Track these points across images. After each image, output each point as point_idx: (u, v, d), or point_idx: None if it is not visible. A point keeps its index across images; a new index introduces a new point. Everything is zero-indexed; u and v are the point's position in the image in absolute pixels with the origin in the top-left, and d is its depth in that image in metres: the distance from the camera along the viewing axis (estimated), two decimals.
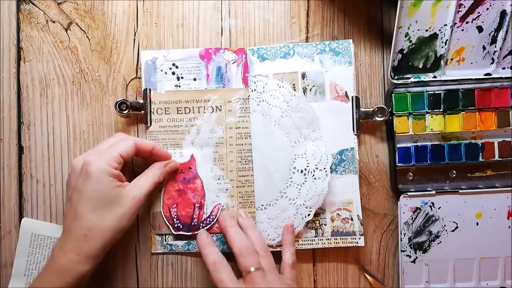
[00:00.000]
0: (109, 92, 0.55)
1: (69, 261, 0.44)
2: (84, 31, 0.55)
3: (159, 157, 0.51)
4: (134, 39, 0.55)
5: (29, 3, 0.55)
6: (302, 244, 0.54)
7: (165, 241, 0.54)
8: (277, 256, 0.55)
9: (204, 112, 0.54)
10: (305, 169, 0.51)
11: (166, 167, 0.51)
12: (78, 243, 0.44)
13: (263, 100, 0.53)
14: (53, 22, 0.55)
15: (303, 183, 0.51)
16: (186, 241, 0.54)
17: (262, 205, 0.53)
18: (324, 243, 0.54)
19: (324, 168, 0.51)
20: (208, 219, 0.53)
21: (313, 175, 0.51)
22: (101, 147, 0.48)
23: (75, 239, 0.44)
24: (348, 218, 0.53)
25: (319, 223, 0.54)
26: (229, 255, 0.55)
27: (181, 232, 0.53)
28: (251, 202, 0.54)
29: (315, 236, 0.54)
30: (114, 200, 0.45)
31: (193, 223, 0.53)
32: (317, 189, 0.51)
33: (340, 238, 0.53)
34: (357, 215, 0.53)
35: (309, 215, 0.51)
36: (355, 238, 0.53)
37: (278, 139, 0.52)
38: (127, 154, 0.47)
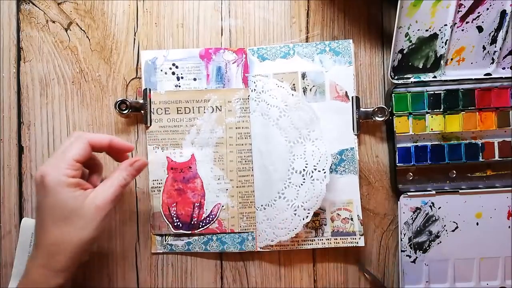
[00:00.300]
0: (109, 92, 0.55)
1: (40, 276, 0.43)
2: (84, 31, 0.55)
3: (120, 150, 0.49)
4: (134, 39, 0.55)
5: (29, 3, 0.55)
6: (302, 244, 0.54)
7: (165, 241, 0.54)
8: (276, 256, 0.55)
9: (204, 112, 0.54)
10: (304, 170, 0.51)
11: (132, 167, 0.47)
12: (46, 258, 0.43)
13: (262, 100, 0.53)
14: (53, 22, 0.55)
15: (301, 184, 0.51)
16: (186, 241, 0.54)
17: (262, 205, 0.53)
18: (324, 243, 0.54)
19: (323, 169, 0.51)
20: (208, 218, 0.53)
21: (312, 176, 0.51)
22: (57, 153, 0.45)
23: (43, 254, 0.43)
24: (348, 218, 0.53)
25: (319, 223, 0.54)
26: (229, 255, 0.55)
27: (180, 231, 0.53)
28: (251, 202, 0.54)
29: (315, 236, 0.54)
30: (75, 211, 0.43)
31: (192, 222, 0.53)
32: (315, 190, 0.51)
33: (340, 238, 0.53)
34: (357, 215, 0.53)
35: (307, 217, 0.51)
36: (355, 238, 0.53)
37: (276, 139, 0.52)
38: (82, 156, 0.45)
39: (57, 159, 0.44)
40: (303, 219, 0.51)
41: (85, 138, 0.46)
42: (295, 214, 0.51)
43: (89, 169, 0.49)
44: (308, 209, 0.51)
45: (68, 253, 0.43)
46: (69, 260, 0.43)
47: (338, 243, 0.53)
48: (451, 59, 0.53)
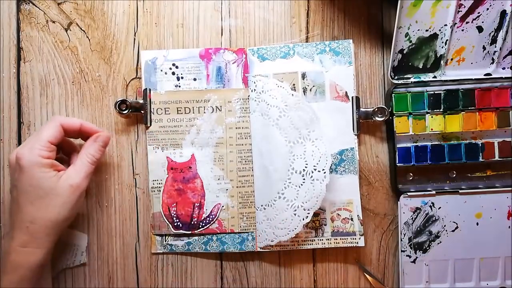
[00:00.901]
0: (109, 92, 0.55)
1: (18, 254, 0.45)
2: (84, 31, 0.55)
3: (90, 134, 0.50)
4: (134, 39, 0.55)
5: (29, 3, 0.55)
6: (302, 244, 0.54)
7: (165, 241, 0.54)
8: (276, 256, 0.55)
9: (204, 112, 0.54)
10: (304, 170, 0.51)
11: (97, 142, 0.49)
12: (23, 236, 0.45)
13: (262, 100, 0.53)
14: (53, 22, 0.55)
15: (301, 185, 0.51)
16: (186, 241, 0.54)
17: (262, 205, 0.53)
18: (324, 243, 0.53)
19: (323, 169, 0.51)
20: (208, 219, 0.53)
21: (311, 177, 0.51)
22: (31, 136, 0.48)
23: (20, 232, 0.45)
24: (348, 218, 0.53)
25: (319, 223, 0.54)
26: (229, 255, 0.55)
27: (180, 231, 0.53)
28: (251, 202, 0.54)
29: (315, 236, 0.54)
30: (50, 191, 0.45)
31: (192, 222, 0.53)
32: (315, 191, 0.51)
33: (340, 238, 0.53)
34: (357, 215, 0.53)
35: (307, 217, 0.51)
36: (355, 238, 0.53)
37: (276, 139, 0.52)
38: (56, 138, 0.47)
39: (31, 141, 0.46)
40: (303, 219, 0.51)
41: (57, 121, 0.48)
42: (295, 214, 0.51)
43: (67, 155, 0.51)
44: (308, 209, 0.51)
45: (45, 230, 0.45)
46: (46, 238, 0.45)
47: (338, 243, 0.53)
48: (451, 59, 0.53)
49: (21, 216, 0.45)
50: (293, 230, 0.51)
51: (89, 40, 0.55)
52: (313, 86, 0.54)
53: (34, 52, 0.55)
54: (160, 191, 0.54)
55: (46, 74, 0.55)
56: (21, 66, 0.55)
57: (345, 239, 0.53)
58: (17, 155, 0.45)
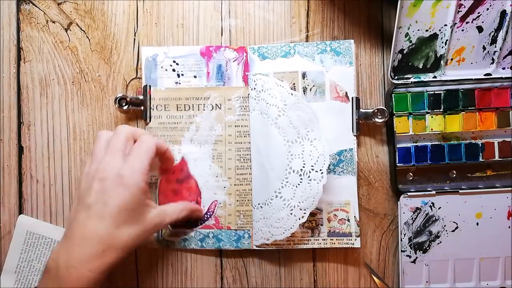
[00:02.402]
0: (109, 92, 0.55)
1: (80, 279, 0.40)
2: (84, 31, 0.55)
3: (166, 162, 0.52)
4: (134, 39, 0.55)
5: (29, 3, 0.55)
6: (298, 244, 0.54)
7: (161, 237, 0.54)
8: (276, 256, 0.55)
9: (204, 110, 0.54)
10: (301, 170, 0.51)
11: (191, 208, 0.51)
12: (93, 259, 0.40)
13: (262, 99, 0.53)
14: (53, 22, 0.55)
15: (298, 184, 0.51)
16: (182, 238, 0.54)
17: (258, 204, 0.53)
18: (320, 243, 0.53)
19: (320, 170, 0.50)
20: (205, 216, 0.54)
21: (309, 176, 0.50)
22: (133, 155, 0.44)
23: (91, 254, 0.41)
24: (345, 219, 0.53)
25: (315, 223, 0.54)
26: (229, 255, 0.55)
27: (178, 230, 0.54)
28: (248, 200, 0.54)
29: (311, 236, 0.54)
30: (139, 219, 0.43)
31: (190, 219, 0.53)
32: (312, 191, 0.50)
33: (336, 239, 0.53)
34: (354, 216, 0.53)
35: (303, 217, 0.50)
36: (351, 239, 0.53)
37: (274, 138, 0.52)
38: (152, 160, 0.46)
39: (133, 160, 0.45)
40: (299, 219, 0.51)
41: (154, 141, 0.47)
42: (291, 213, 0.51)
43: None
44: (304, 209, 0.51)
45: (115, 256, 0.43)
46: (112, 265, 0.42)
47: (334, 243, 0.53)
48: (451, 59, 0.53)
49: (100, 237, 0.41)
50: (289, 230, 0.51)
51: (89, 40, 0.55)
52: (313, 86, 0.54)
53: (34, 52, 0.55)
54: (157, 187, 0.54)
55: (46, 74, 0.55)
56: (21, 66, 0.55)
57: (341, 239, 0.53)
58: (120, 173, 0.43)
